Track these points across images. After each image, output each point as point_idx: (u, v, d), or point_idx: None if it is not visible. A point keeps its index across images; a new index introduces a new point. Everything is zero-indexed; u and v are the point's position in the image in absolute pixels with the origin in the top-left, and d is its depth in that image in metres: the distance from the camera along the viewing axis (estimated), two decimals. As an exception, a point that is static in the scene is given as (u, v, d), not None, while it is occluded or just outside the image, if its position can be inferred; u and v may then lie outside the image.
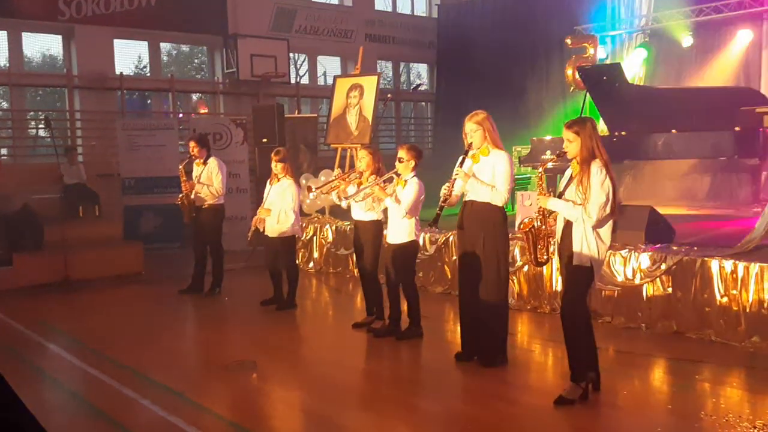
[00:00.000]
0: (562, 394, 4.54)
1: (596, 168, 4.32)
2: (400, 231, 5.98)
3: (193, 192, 8.02)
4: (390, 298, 6.25)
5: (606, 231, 4.41)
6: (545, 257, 4.74)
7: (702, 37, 11.40)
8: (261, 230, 7.43)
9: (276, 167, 7.30)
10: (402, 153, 5.92)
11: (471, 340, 5.40)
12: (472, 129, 5.11)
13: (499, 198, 5.10)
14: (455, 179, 5.09)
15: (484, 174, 5.13)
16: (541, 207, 4.63)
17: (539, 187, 4.69)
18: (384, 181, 6.04)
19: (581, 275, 4.45)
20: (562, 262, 4.63)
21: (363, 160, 6.39)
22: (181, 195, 8.13)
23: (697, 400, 4.71)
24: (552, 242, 4.71)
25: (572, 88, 12.82)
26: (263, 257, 7.84)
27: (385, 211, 6.29)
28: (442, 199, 5.12)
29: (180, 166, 8.20)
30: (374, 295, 6.61)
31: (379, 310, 6.57)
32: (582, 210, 4.34)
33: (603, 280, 6.32)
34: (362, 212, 6.43)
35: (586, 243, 4.38)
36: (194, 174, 8.12)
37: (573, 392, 4.53)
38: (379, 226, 6.48)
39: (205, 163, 8.08)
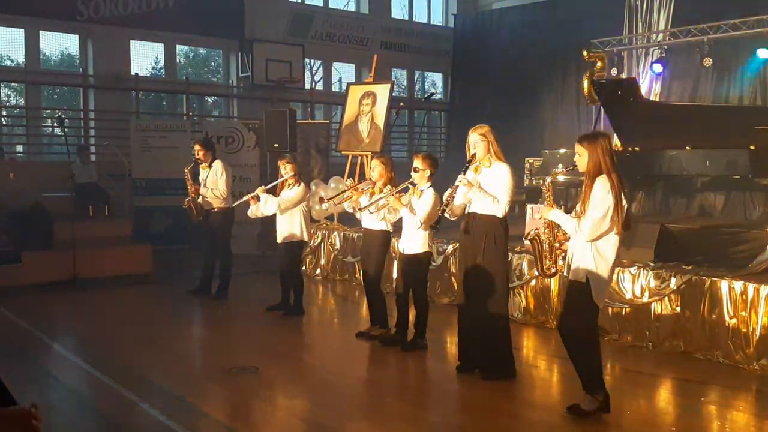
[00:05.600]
0: (579, 403, 4.47)
1: (600, 183, 4.26)
2: (414, 241, 5.94)
3: (200, 195, 8.05)
4: (398, 307, 6.21)
5: (606, 247, 4.30)
6: (553, 269, 4.67)
7: (719, 55, 11.30)
8: (253, 203, 7.37)
9: (286, 169, 7.27)
10: (418, 162, 5.85)
11: (469, 352, 5.39)
12: (476, 140, 5.17)
13: (500, 209, 5.11)
14: (458, 186, 5.09)
15: (486, 185, 5.17)
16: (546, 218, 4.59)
17: (546, 198, 4.64)
18: (399, 192, 5.99)
19: (575, 290, 4.40)
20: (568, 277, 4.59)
21: (375, 169, 6.34)
22: (187, 199, 8.16)
23: (703, 422, 4.65)
24: (561, 255, 4.65)
25: (588, 101, 12.75)
26: (272, 262, 7.83)
27: (399, 220, 6.26)
28: (444, 203, 5.14)
29: (186, 170, 8.23)
30: (377, 303, 6.57)
31: (382, 319, 6.53)
32: (576, 223, 4.30)
33: (611, 298, 6.26)
34: (373, 220, 6.39)
35: (584, 258, 4.33)
36: (201, 177, 8.15)
37: (589, 404, 4.45)
38: (387, 236, 6.45)
39: (210, 166, 8.10)
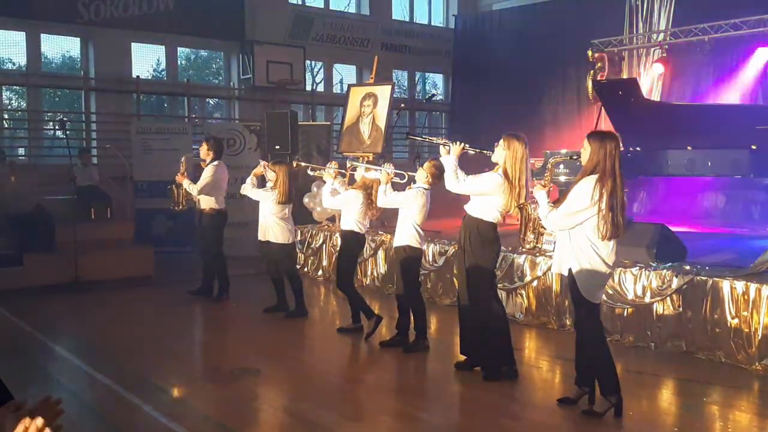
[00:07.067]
0: (592, 407, 4.49)
1: (585, 183, 4.26)
2: (400, 233, 6.07)
3: (181, 185, 8.14)
4: (399, 309, 6.23)
5: (583, 242, 4.28)
6: (530, 244, 4.77)
7: (720, 54, 11.30)
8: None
9: (270, 173, 7.38)
10: (426, 164, 6.05)
11: (469, 351, 5.46)
12: (501, 146, 5.16)
13: (451, 183, 5.15)
14: (448, 145, 5.26)
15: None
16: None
17: (545, 176, 4.63)
18: (395, 173, 6.16)
19: (567, 284, 4.52)
20: None
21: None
22: (173, 183, 8.25)
23: (705, 422, 4.64)
24: (543, 234, 4.74)
25: (593, 101, 12.75)
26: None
27: (395, 217, 6.31)
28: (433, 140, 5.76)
29: (184, 157, 8.37)
30: (349, 300, 6.76)
31: (355, 315, 6.79)
32: (546, 211, 4.36)
33: (612, 298, 6.26)
34: (345, 222, 6.69)
35: (563, 252, 4.39)
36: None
37: (601, 405, 4.46)
38: (354, 236, 6.64)
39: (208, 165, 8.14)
